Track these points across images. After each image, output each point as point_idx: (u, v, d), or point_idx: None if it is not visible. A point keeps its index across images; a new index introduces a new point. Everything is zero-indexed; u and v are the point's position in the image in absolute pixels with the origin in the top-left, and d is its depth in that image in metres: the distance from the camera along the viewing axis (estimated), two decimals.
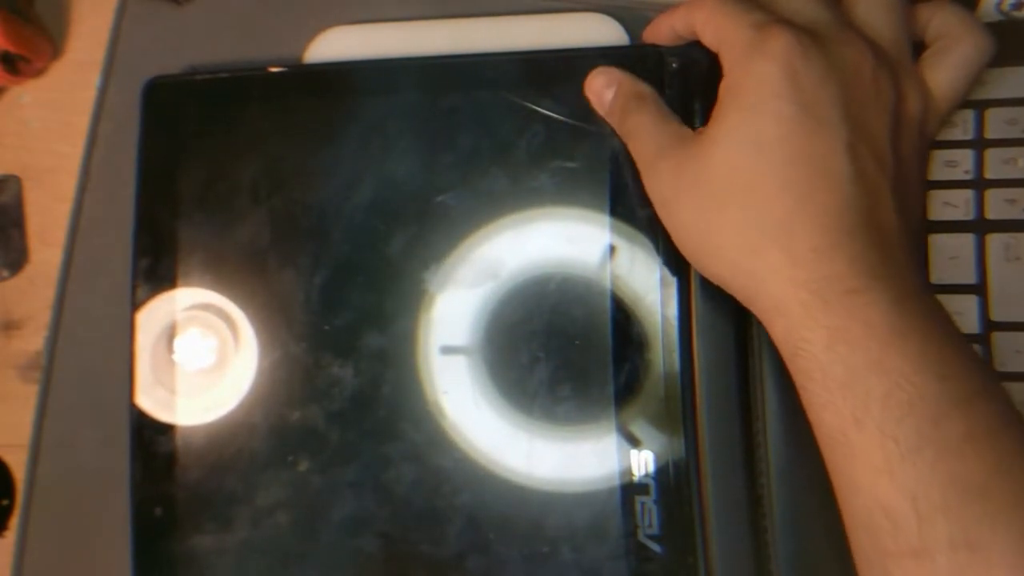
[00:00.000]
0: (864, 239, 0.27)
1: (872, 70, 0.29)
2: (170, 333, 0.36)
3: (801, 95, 0.28)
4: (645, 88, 0.33)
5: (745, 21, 0.29)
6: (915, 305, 0.27)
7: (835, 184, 0.28)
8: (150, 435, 0.35)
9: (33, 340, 0.40)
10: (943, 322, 0.28)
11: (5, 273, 0.40)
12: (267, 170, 0.36)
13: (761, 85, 0.28)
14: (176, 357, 0.36)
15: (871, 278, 0.27)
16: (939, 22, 0.31)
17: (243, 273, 0.36)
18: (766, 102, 0.28)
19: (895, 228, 0.28)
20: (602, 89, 0.33)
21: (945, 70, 0.31)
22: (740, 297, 0.30)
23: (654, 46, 0.34)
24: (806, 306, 0.27)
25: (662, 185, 0.31)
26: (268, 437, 0.35)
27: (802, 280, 0.27)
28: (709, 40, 0.31)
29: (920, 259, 0.31)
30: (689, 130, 0.31)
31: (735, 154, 0.29)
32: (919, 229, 0.32)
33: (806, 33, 0.29)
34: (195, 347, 0.36)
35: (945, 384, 0.26)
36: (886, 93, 0.29)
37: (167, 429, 0.35)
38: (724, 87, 0.30)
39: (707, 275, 0.31)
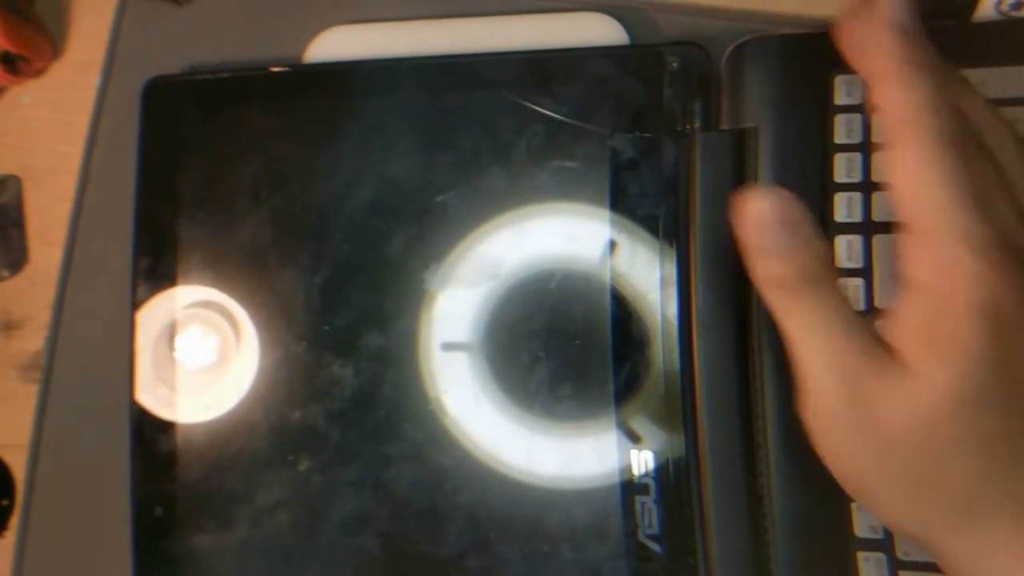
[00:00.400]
0: None
1: None
2: (171, 331, 0.36)
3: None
4: (825, 258, 0.25)
5: (963, 231, 0.22)
6: None
7: None
8: (150, 433, 0.35)
9: (33, 340, 0.40)
10: None
11: (5, 273, 0.40)
12: (267, 170, 0.36)
13: (978, 339, 0.22)
14: (177, 355, 0.36)
15: None
16: None
17: (244, 272, 0.36)
18: (988, 358, 0.22)
19: None
20: (760, 237, 0.25)
21: None
22: (938, 558, 0.25)
23: (654, 46, 0.34)
24: None
25: (837, 427, 0.25)
26: (269, 436, 0.35)
27: None
28: (900, 199, 0.23)
29: None
30: (881, 352, 0.24)
31: (949, 414, 0.23)
32: None
33: None
34: (196, 345, 0.36)
35: None
36: None
37: (168, 427, 0.35)
38: (926, 321, 0.23)
39: (885, 523, 0.27)
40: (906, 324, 0.24)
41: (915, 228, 0.23)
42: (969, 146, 0.23)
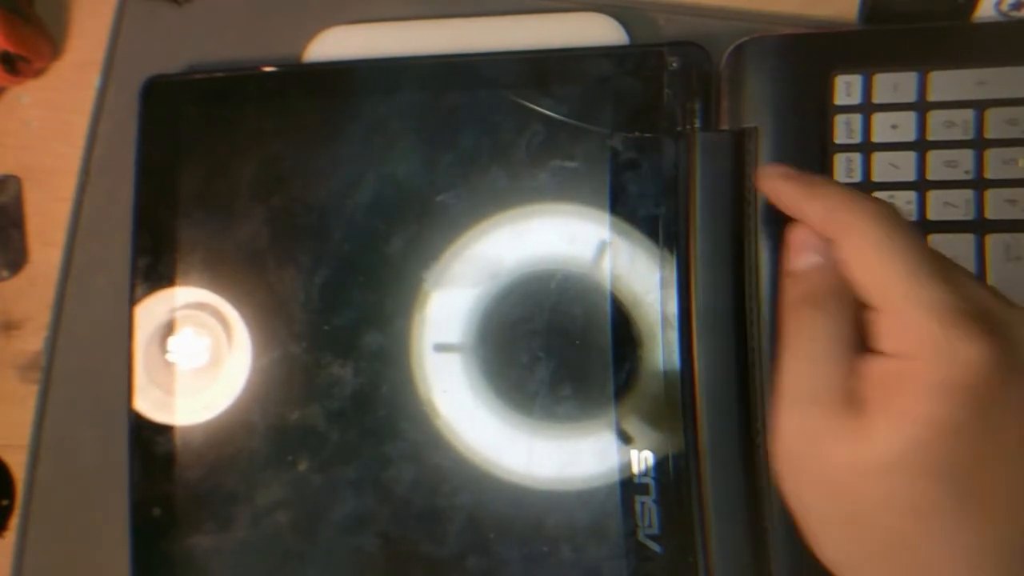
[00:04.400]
0: None
1: None
2: (165, 332, 0.36)
3: (999, 433, 0.22)
4: (836, 286, 0.24)
5: (928, 300, 0.22)
6: None
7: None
8: (149, 433, 0.35)
9: (33, 340, 0.40)
10: None
11: (5, 273, 0.40)
12: (266, 170, 0.36)
13: (934, 416, 0.22)
14: (171, 357, 0.36)
15: None
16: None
17: (241, 272, 0.36)
18: (963, 438, 0.22)
19: None
20: (803, 253, 0.26)
21: None
22: None
23: (654, 46, 0.34)
24: None
25: (790, 452, 0.25)
26: (266, 436, 0.35)
27: None
28: (860, 284, 0.24)
29: None
30: (854, 395, 0.23)
31: (884, 472, 0.22)
32: None
33: (1011, 352, 0.22)
34: (189, 346, 0.36)
35: None
36: None
37: (166, 428, 0.35)
38: (890, 384, 0.23)
39: (824, 564, 0.25)
40: (874, 377, 0.23)
41: (882, 305, 0.23)
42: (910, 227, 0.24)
